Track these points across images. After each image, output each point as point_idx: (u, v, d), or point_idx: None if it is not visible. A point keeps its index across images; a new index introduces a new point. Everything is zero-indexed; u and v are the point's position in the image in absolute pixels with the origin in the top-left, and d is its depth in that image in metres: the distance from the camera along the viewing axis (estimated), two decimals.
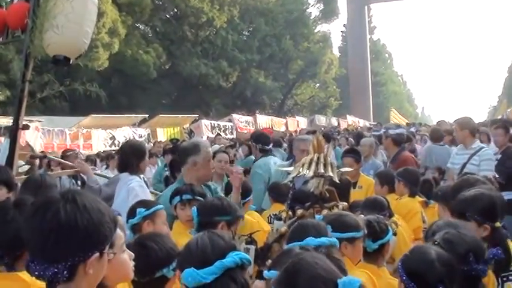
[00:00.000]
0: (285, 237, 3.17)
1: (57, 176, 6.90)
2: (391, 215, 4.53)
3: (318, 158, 3.69)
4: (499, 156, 7.64)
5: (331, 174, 3.62)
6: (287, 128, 28.93)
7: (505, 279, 3.12)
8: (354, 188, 6.27)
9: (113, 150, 15.84)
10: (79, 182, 7.95)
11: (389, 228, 3.63)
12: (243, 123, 25.78)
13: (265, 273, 2.35)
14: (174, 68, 38.51)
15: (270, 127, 26.44)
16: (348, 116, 39.88)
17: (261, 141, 7.15)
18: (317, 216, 3.42)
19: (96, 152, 16.31)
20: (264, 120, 28.09)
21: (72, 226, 1.70)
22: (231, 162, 8.35)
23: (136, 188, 4.59)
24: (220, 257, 2.20)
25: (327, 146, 3.94)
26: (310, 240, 2.65)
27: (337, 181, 3.69)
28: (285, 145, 12.36)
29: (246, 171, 6.96)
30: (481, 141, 8.00)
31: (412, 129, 18.26)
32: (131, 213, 3.68)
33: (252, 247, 3.36)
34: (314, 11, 52.99)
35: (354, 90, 57.31)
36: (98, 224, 1.75)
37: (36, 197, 2.44)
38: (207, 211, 3.68)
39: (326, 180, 3.68)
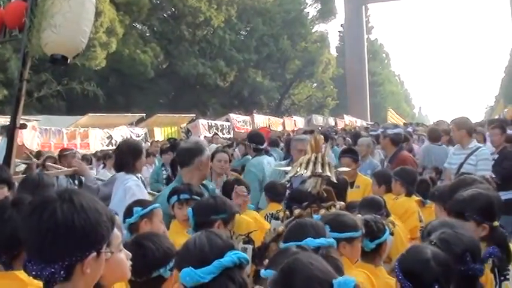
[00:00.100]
0: (282, 237, 3.17)
1: (55, 176, 6.88)
2: (387, 215, 4.54)
3: (316, 158, 3.69)
4: (496, 156, 7.66)
5: (328, 174, 3.63)
6: (284, 127, 28.94)
7: (502, 278, 3.13)
8: (352, 187, 6.29)
9: (110, 149, 15.81)
10: (76, 182, 7.92)
11: (387, 227, 3.64)
12: (240, 122, 25.78)
13: (262, 272, 2.36)
14: (171, 67, 38.47)
15: (268, 127, 26.44)
16: (345, 115, 39.98)
17: (255, 141, 7.21)
18: (315, 216, 3.42)
19: (93, 151, 16.28)
20: (261, 120, 28.08)
21: (69, 226, 1.69)
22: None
23: (133, 187, 4.59)
24: (219, 256, 2.20)
25: (324, 146, 3.94)
26: (310, 241, 2.65)
27: (335, 181, 3.69)
28: (282, 145, 12.36)
29: (243, 170, 7.02)
30: (477, 142, 8.00)
31: (409, 129, 18.26)
32: (128, 212, 3.68)
33: (250, 247, 3.36)
34: (311, 10, 53.07)
35: (351, 90, 57.36)
36: (95, 223, 1.75)
37: (34, 196, 2.44)
38: (203, 211, 3.69)
39: (323, 180, 3.69)
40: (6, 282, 2.41)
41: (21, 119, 5.19)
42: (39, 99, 5.83)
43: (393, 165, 6.84)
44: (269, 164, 6.98)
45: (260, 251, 3.35)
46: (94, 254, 1.75)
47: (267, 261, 2.62)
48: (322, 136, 4.27)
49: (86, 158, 12.29)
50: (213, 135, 18.50)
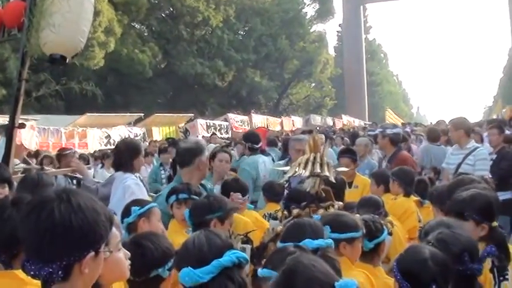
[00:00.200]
0: (280, 237, 3.17)
1: (54, 175, 6.88)
2: (386, 215, 4.54)
3: (315, 158, 3.69)
4: (494, 156, 7.67)
5: (327, 174, 3.63)
6: (282, 127, 28.93)
7: (501, 278, 3.14)
8: (350, 187, 6.28)
9: (109, 149, 15.81)
10: (74, 181, 7.92)
11: (385, 227, 3.65)
12: (238, 122, 25.77)
13: (259, 271, 2.36)
14: (169, 67, 38.47)
15: (266, 126, 26.43)
16: (343, 115, 39.96)
17: (251, 140, 7.27)
18: (315, 216, 3.42)
19: (91, 151, 16.28)
20: (259, 120, 28.07)
21: (66, 226, 1.69)
22: None
23: (132, 185, 4.60)
24: (217, 255, 2.21)
25: (323, 146, 3.95)
26: (308, 243, 2.65)
27: (333, 181, 3.69)
28: (280, 144, 12.36)
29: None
30: (475, 142, 8.02)
31: (408, 129, 18.27)
32: (126, 212, 3.68)
33: (248, 246, 3.37)
34: (310, 10, 53.13)
35: (349, 90, 57.38)
36: (92, 223, 1.74)
37: (33, 195, 2.45)
38: (198, 211, 3.71)
39: (322, 180, 3.69)
40: (6, 281, 2.42)
41: (20, 118, 5.20)
42: (38, 98, 5.83)
43: (393, 166, 6.84)
44: (264, 163, 6.99)
45: (259, 251, 3.35)
46: (92, 253, 1.74)
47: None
48: (323, 135, 4.28)
49: (83, 158, 12.28)
50: (211, 135, 18.50)
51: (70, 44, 4.76)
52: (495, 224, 3.29)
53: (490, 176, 6.63)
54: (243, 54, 42.20)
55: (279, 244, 2.87)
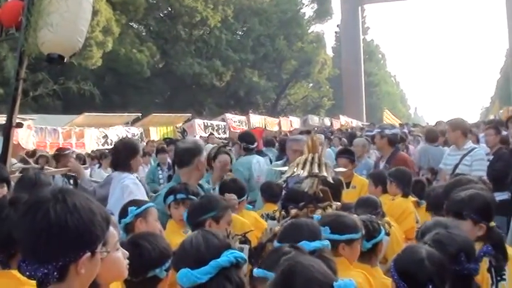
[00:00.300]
0: (277, 237, 3.18)
1: (51, 175, 6.88)
2: (383, 215, 4.55)
3: (313, 158, 3.70)
4: (491, 157, 7.68)
5: (325, 174, 3.63)
6: (280, 127, 28.92)
7: (499, 278, 3.15)
8: (348, 188, 6.29)
9: (106, 149, 15.80)
10: (72, 181, 7.92)
11: (382, 227, 3.65)
12: (236, 122, 25.75)
13: (254, 271, 2.36)
14: (167, 67, 38.43)
15: (263, 127, 26.43)
16: (341, 116, 39.96)
17: (246, 140, 7.30)
18: (314, 216, 3.42)
19: (88, 151, 16.25)
20: (257, 120, 28.06)
21: (62, 226, 1.68)
22: None
23: (130, 185, 4.59)
24: (215, 256, 2.21)
25: (322, 146, 3.95)
26: (305, 245, 2.65)
27: (331, 181, 3.70)
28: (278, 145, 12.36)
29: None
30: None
31: (405, 130, 18.29)
32: (123, 212, 3.69)
33: (246, 246, 3.37)
34: (308, 11, 53.14)
35: (347, 91, 57.42)
36: (88, 223, 1.73)
37: (30, 195, 2.45)
38: (192, 213, 3.73)
39: (320, 180, 3.70)
40: (3, 280, 2.42)
41: (17, 118, 5.20)
42: (35, 98, 5.81)
43: (391, 166, 6.84)
44: (258, 163, 7.00)
45: (256, 251, 3.35)
46: (88, 254, 1.73)
47: None
48: (322, 136, 4.29)
49: (79, 157, 12.27)
50: (208, 135, 18.49)
51: (68, 43, 4.76)
52: (493, 224, 3.30)
53: (486, 177, 6.63)
54: (241, 54, 42.19)
55: (275, 244, 2.87)
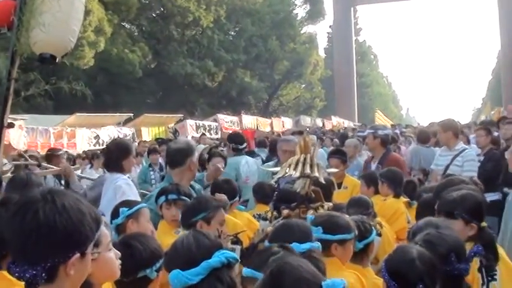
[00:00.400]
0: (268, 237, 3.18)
1: (43, 175, 6.86)
2: (374, 216, 4.57)
3: (305, 159, 3.71)
4: (482, 158, 7.73)
5: (317, 174, 3.65)
6: (272, 128, 28.92)
7: (490, 278, 3.17)
8: (339, 188, 6.30)
9: (98, 149, 15.76)
10: (63, 182, 7.90)
11: (373, 227, 3.67)
12: (228, 123, 25.73)
13: (243, 271, 2.37)
14: (159, 67, 38.35)
15: (255, 127, 26.44)
16: (332, 116, 40.04)
17: (234, 141, 7.34)
18: (308, 216, 3.43)
19: (80, 151, 16.21)
20: (249, 121, 28.06)
21: (50, 227, 1.67)
22: None
23: (123, 185, 4.58)
24: (206, 256, 2.21)
25: (314, 147, 3.96)
26: (296, 246, 2.65)
27: (323, 182, 3.71)
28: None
29: None
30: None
31: (397, 131, 18.34)
32: (115, 213, 3.68)
33: (238, 247, 3.38)
34: (300, 12, 53.13)
35: (339, 91, 57.43)
36: (77, 224, 1.72)
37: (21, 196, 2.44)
38: (184, 215, 3.74)
39: (312, 181, 3.71)
40: None
41: (8, 118, 5.17)
42: (26, 98, 5.79)
43: (384, 167, 6.86)
44: (247, 164, 7.01)
45: (248, 251, 3.36)
46: (78, 255, 1.72)
47: None
48: (314, 136, 4.30)
49: (69, 158, 12.23)
50: (200, 136, 18.46)
51: (60, 43, 4.75)
52: (484, 224, 3.32)
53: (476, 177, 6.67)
54: (233, 55, 42.16)
55: (266, 244, 2.88)
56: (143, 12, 37.52)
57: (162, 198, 4.17)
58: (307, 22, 53.24)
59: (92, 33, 28.40)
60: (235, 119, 27.05)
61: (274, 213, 3.87)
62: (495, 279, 3.18)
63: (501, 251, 3.42)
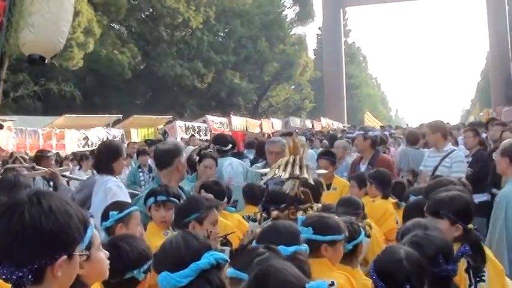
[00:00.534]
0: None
1: (31, 177, 6.83)
2: (364, 217, 4.58)
3: (294, 160, 3.72)
4: (470, 159, 7.78)
5: (306, 176, 3.66)
6: (261, 129, 28.94)
7: (478, 279, 3.19)
8: (328, 189, 6.32)
9: (87, 150, 15.71)
10: (51, 183, 7.86)
11: (362, 229, 3.68)
12: (217, 124, 25.73)
13: (228, 271, 2.37)
14: (149, 68, 38.26)
15: (245, 129, 26.46)
16: (322, 118, 40.09)
17: (219, 143, 7.33)
18: (298, 217, 3.44)
19: (68, 153, 16.15)
20: (238, 122, 28.08)
21: (36, 228, 1.66)
22: None
23: (113, 187, 4.57)
24: (195, 257, 2.21)
25: (303, 148, 3.97)
26: (283, 249, 2.65)
27: (312, 183, 3.72)
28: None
29: None
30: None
31: (386, 132, 18.41)
32: (105, 215, 3.67)
33: (227, 248, 3.38)
34: (290, 13, 53.22)
35: (329, 93, 57.48)
36: (64, 225, 1.70)
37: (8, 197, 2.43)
38: (177, 216, 3.76)
39: (301, 182, 3.72)
40: None
41: None
42: (15, 99, 5.77)
43: (374, 168, 6.88)
44: (231, 165, 6.99)
45: (238, 253, 3.36)
46: (65, 257, 1.71)
47: None
48: (303, 138, 4.32)
49: (56, 160, 12.16)
50: (190, 137, 18.44)
51: (49, 44, 4.74)
52: (471, 226, 3.34)
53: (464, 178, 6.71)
54: (223, 56, 42.12)
55: (253, 246, 2.88)
56: (132, 13, 37.45)
57: (151, 199, 4.16)
58: (296, 23, 53.36)
59: (81, 34, 28.29)
60: (224, 120, 27.06)
61: (264, 214, 3.87)
62: (483, 280, 3.20)
63: (488, 251, 3.44)
